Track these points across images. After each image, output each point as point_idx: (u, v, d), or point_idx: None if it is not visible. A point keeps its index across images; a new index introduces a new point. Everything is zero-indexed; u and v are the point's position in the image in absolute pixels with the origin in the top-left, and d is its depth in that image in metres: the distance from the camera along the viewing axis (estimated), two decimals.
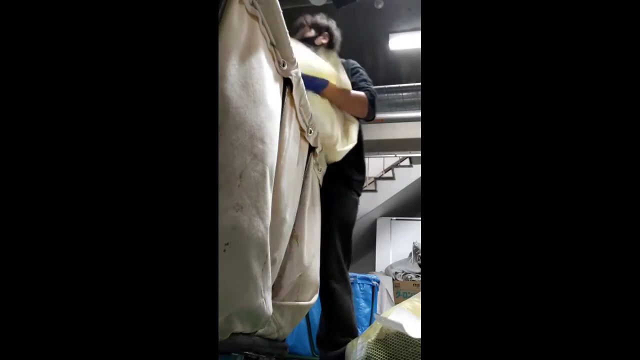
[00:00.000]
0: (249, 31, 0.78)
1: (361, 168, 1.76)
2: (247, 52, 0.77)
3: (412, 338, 1.04)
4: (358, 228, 3.44)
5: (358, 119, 1.68)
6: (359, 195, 1.76)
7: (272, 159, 0.81)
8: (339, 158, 1.52)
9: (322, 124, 1.46)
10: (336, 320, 1.56)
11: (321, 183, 1.47)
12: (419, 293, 1.34)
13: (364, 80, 1.73)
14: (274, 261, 0.95)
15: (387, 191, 6.40)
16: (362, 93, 1.66)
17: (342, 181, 1.69)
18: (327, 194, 1.62)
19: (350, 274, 1.71)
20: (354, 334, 1.50)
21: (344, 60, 1.81)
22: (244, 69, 0.75)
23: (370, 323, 2.46)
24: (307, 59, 1.46)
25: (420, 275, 4.13)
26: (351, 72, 1.73)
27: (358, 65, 1.82)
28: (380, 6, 4.07)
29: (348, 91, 1.59)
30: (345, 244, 1.66)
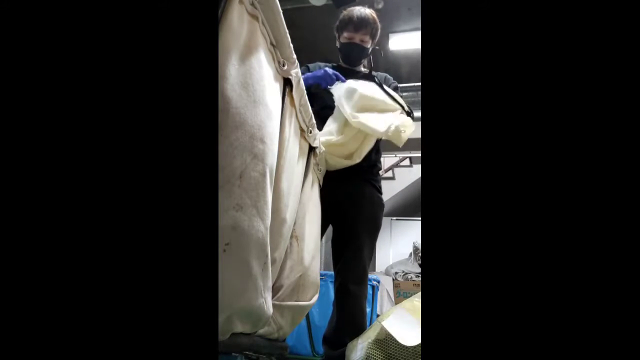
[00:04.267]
0: (249, 31, 0.78)
1: (378, 170, 1.78)
2: (247, 52, 0.77)
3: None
4: None
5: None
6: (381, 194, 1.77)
7: (272, 159, 0.81)
8: (334, 168, 1.52)
9: (332, 129, 1.47)
10: (348, 322, 1.56)
11: (321, 183, 1.47)
12: (419, 293, 1.34)
13: (400, 95, 1.76)
14: (274, 261, 0.95)
15: (387, 191, 6.39)
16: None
17: (367, 182, 1.69)
18: (351, 194, 1.63)
19: None
20: None
21: (381, 74, 1.82)
22: (244, 69, 0.75)
23: (370, 323, 2.46)
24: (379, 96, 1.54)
25: (420, 275, 4.13)
26: (391, 88, 1.75)
27: (395, 81, 1.83)
28: (380, 6, 4.08)
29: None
30: (371, 248, 1.67)
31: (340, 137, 1.49)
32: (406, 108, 1.62)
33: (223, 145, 0.68)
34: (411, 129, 1.52)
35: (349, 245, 1.61)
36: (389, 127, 1.46)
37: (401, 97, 1.75)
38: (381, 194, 1.74)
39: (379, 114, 1.52)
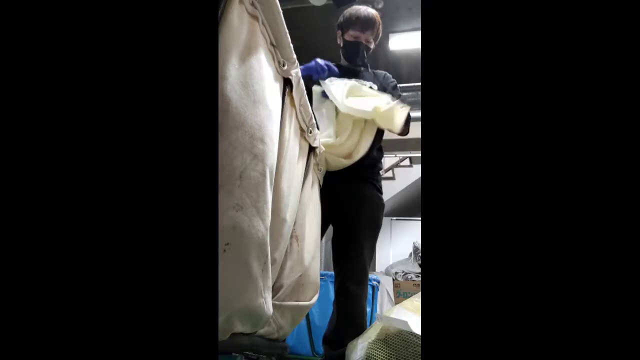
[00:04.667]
0: (249, 31, 0.78)
1: (379, 169, 1.78)
2: (247, 52, 0.77)
3: (413, 338, 1.05)
4: None
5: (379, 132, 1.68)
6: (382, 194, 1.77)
7: (272, 159, 0.81)
8: (334, 168, 1.52)
9: (330, 132, 1.48)
10: (348, 322, 1.56)
11: (321, 183, 1.47)
12: (419, 293, 1.34)
13: (400, 95, 1.78)
14: (274, 261, 0.95)
15: (387, 191, 6.37)
16: None
17: (367, 182, 1.69)
18: (352, 194, 1.63)
19: None
20: None
21: (380, 71, 1.83)
22: (244, 69, 0.75)
23: (370, 323, 2.46)
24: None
25: (420, 275, 4.13)
26: (390, 87, 1.77)
27: (394, 80, 1.84)
28: (380, 6, 4.07)
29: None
30: (372, 248, 1.67)
31: (338, 138, 1.50)
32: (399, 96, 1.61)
33: (223, 145, 0.68)
34: (401, 113, 1.52)
35: (350, 245, 1.61)
36: (376, 107, 1.47)
37: (400, 96, 1.75)
38: (381, 193, 1.73)
39: (365, 98, 1.52)
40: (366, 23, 1.70)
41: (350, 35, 1.71)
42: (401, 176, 6.39)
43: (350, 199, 1.63)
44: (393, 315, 1.17)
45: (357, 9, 1.73)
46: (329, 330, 1.64)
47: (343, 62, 1.80)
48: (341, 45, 1.77)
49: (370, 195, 1.67)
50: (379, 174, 1.76)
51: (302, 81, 1.05)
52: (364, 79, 1.72)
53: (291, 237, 1.13)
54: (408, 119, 1.73)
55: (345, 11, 1.77)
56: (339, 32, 1.77)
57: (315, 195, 1.38)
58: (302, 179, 1.21)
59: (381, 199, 1.73)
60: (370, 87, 1.68)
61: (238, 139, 0.71)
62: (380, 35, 1.78)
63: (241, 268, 0.74)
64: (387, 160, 6.90)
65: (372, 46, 1.75)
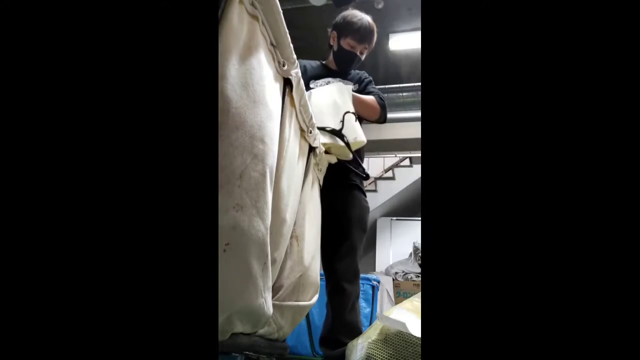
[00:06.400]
0: (249, 31, 0.78)
1: (363, 169, 1.81)
2: (247, 52, 0.77)
3: (413, 337, 1.05)
4: None
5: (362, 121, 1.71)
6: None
7: (272, 159, 0.81)
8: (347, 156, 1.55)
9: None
10: (345, 321, 1.57)
11: (321, 183, 1.47)
12: (419, 293, 1.34)
13: (373, 86, 1.83)
14: (274, 261, 0.95)
15: (387, 191, 6.39)
16: (370, 96, 1.75)
17: (354, 186, 1.74)
18: (342, 197, 1.68)
19: None
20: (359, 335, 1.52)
21: (358, 72, 1.87)
22: (244, 69, 0.75)
23: (370, 323, 2.46)
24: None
25: (420, 275, 4.13)
26: (365, 82, 1.82)
27: (370, 77, 1.88)
28: (380, 6, 4.07)
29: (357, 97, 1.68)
30: (361, 250, 1.72)
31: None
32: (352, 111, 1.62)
33: (223, 145, 0.68)
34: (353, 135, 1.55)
35: (343, 246, 1.64)
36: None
37: (371, 92, 1.78)
38: (366, 196, 1.79)
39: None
40: (365, 35, 1.73)
41: (348, 43, 1.74)
42: (401, 176, 6.39)
43: (341, 201, 1.68)
44: (392, 316, 1.17)
45: (359, 17, 1.74)
46: (325, 331, 1.65)
47: (330, 63, 1.83)
48: (335, 48, 1.80)
49: (359, 198, 1.74)
50: (361, 177, 1.78)
51: (302, 81, 1.06)
52: (349, 80, 1.80)
53: (291, 237, 1.13)
54: (383, 105, 1.75)
55: (346, 14, 1.77)
56: (334, 34, 1.78)
57: (315, 195, 1.38)
58: (302, 179, 1.21)
59: (367, 202, 1.79)
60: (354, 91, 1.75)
61: (238, 139, 0.71)
62: (373, 46, 1.82)
63: (241, 268, 0.74)
64: (387, 160, 6.91)
65: (363, 57, 1.81)
